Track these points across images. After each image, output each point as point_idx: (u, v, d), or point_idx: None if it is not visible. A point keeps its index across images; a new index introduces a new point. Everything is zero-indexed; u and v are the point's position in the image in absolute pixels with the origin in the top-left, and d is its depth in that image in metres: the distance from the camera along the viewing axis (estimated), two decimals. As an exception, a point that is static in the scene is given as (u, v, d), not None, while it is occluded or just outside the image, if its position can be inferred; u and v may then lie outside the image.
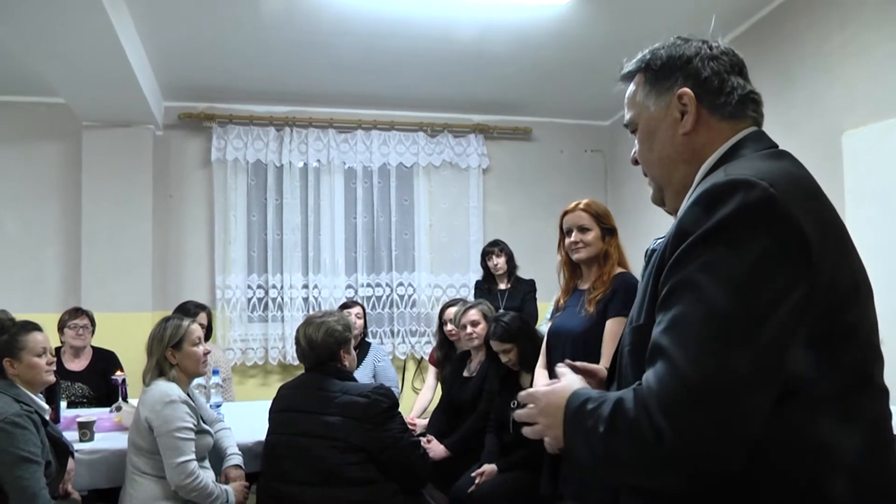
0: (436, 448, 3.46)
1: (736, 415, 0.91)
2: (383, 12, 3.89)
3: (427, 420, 3.94)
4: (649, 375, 0.96)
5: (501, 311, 3.85)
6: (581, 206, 2.75)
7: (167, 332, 2.72)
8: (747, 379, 0.91)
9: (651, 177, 1.24)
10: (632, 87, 1.24)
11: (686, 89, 1.14)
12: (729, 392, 0.90)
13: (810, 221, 0.97)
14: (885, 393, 1.13)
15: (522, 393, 1.20)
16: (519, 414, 1.19)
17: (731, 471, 0.93)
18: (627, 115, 1.25)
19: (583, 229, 2.71)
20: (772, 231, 0.95)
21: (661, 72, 1.17)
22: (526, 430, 1.18)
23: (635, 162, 1.27)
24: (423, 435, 3.62)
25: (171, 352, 2.71)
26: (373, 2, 3.79)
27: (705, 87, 1.14)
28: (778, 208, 0.95)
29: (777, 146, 1.14)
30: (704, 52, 1.16)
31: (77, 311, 4.04)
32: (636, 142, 1.24)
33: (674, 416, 0.90)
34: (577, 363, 1.31)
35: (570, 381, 1.16)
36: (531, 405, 1.16)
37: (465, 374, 3.75)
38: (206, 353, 2.83)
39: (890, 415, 1.13)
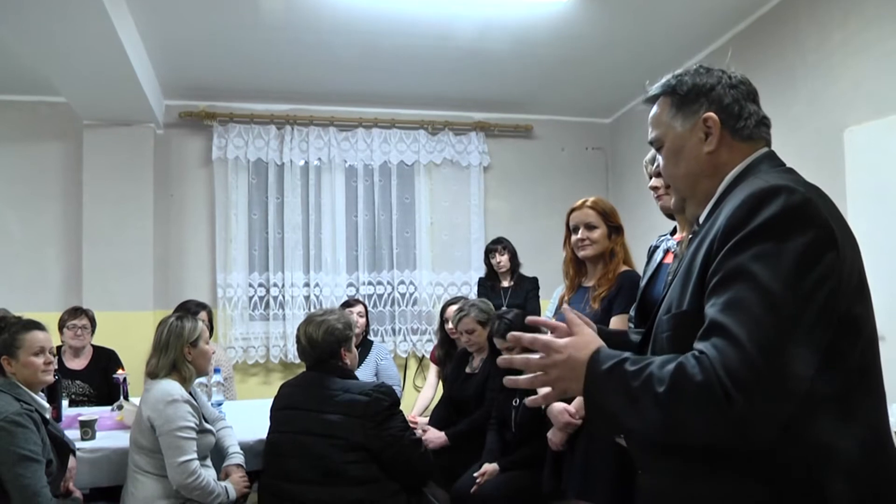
0: (433, 435, 3.46)
1: (790, 383, 1.02)
2: (384, 10, 3.88)
3: (428, 418, 3.94)
4: (708, 347, 1.05)
5: (504, 308, 3.85)
6: (588, 203, 2.75)
7: (186, 330, 2.73)
8: (798, 352, 1.02)
9: (675, 189, 1.36)
10: (656, 109, 1.36)
11: (712, 114, 1.27)
12: (784, 364, 1.01)
13: (834, 222, 1.10)
14: (883, 394, 1.15)
15: (540, 338, 1.20)
16: (528, 360, 1.19)
17: (779, 431, 1.03)
18: (653, 134, 1.36)
19: (589, 227, 2.72)
20: (811, 228, 1.07)
21: (687, 97, 1.30)
22: (522, 379, 1.21)
23: (659, 174, 1.40)
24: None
25: (188, 349, 2.71)
26: (373, 0, 3.78)
27: (727, 112, 1.27)
28: (814, 209, 1.09)
29: (785, 164, 1.27)
30: (725, 80, 1.29)
31: (76, 311, 4.04)
32: (660, 157, 1.37)
33: (741, 383, 1.00)
34: (578, 314, 1.29)
35: (590, 336, 1.20)
36: (543, 354, 1.18)
37: (468, 370, 3.75)
38: (213, 353, 2.85)
39: (888, 415, 1.15)
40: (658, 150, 1.37)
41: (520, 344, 1.22)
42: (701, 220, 1.30)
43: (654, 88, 1.36)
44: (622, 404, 1.09)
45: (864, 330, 1.12)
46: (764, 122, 1.30)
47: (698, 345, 1.07)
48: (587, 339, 1.18)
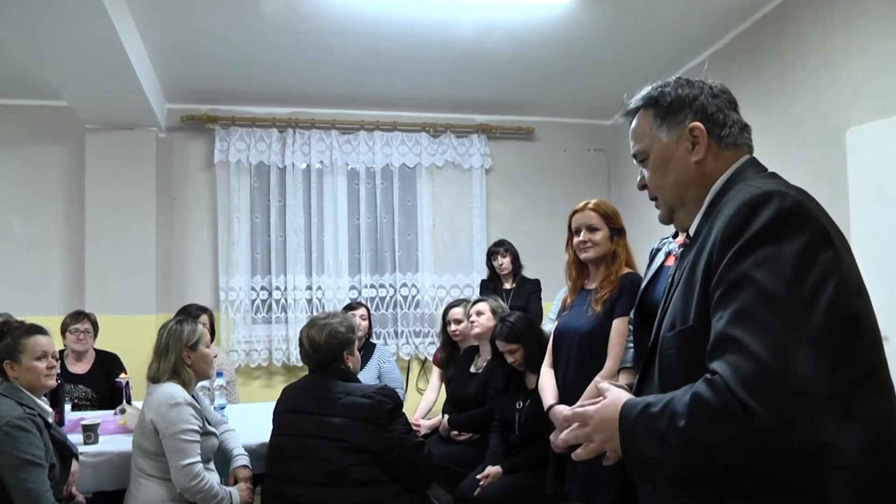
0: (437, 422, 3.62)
1: (809, 384, 1.01)
2: (385, 13, 3.89)
3: (431, 421, 3.94)
4: (721, 365, 1.04)
5: (507, 310, 3.86)
6: (590, 205, 2.76)
7: (185, 333, 2.73)
8: (809, 353, 1.02)
9: (663, 200, 1.35)
10: (636, 122, 1.36)
11: (698, 123, 1.28)
12: (799, 366, 1.01)
13: (826, 223, 1.12)
14: (889, 392, 1.14)
15: (568, 412, 1.26)
16: (570, 436, 1.25)
17: (810, 436, 1.03)
18: (636, 147, 1.36)
19: (591, 229, 2.72)
20: (806, 230, 1.08)
21: (671, 108, 1.31)
22: (579, 453, 1.23)
23: (642, 187, 1.38)
24: (426, 436, 3.64)
25: (187, 352, 2.71)
26: (374, 2, 3.79)
27: (712, 121, 1.29)
28: (807, 211, 1.11)
29: (768, 170, 1.29)
30: (707, 90, 1.31)
31: (79, 316, 4.03)
32: (645, 170, 1.37)
33: (759, 393, 1.00)
34: (612, 382, 1.35)
35: (617, 394, 1.22)
36: (577, 424, 1.23)
37: (472, 369, 3.76)
38: (214, 356, 2.84)
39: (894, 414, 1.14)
40: (642, 162, 1.37)
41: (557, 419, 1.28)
42: (692, 231, 1.30)
43: (635, 101, 1.37)
44: (654, 447, 1.10)
45: (865, 329, 1.12)
46: (746, 129, 1.32)
47: (711, 364, 1.07)
48: (614, 397, 1.21)
